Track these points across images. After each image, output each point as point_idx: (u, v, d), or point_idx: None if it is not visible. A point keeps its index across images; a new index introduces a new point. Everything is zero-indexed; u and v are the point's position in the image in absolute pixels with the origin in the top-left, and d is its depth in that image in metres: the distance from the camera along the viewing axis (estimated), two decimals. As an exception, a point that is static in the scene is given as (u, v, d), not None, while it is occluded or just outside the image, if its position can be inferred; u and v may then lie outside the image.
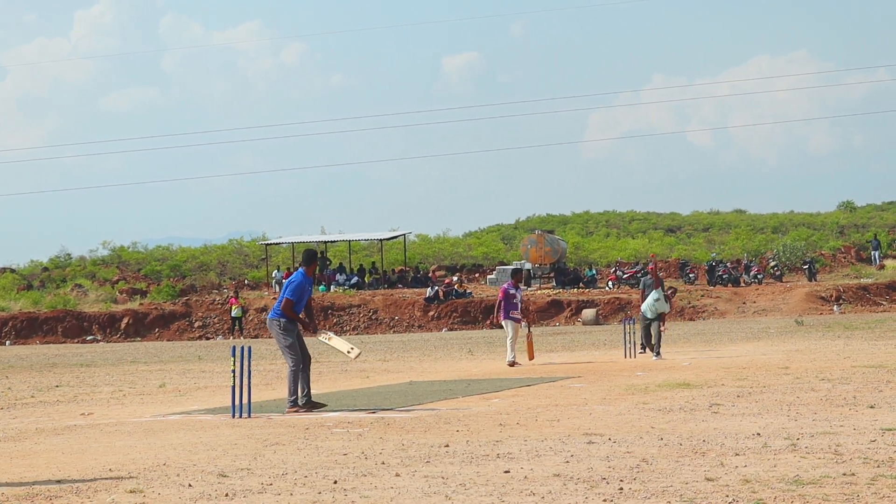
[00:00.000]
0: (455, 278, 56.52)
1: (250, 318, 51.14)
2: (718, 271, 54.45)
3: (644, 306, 24.35)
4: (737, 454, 9.44)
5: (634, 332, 25.12)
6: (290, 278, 14.89)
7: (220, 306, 52.84)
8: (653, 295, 24.23)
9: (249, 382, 14.31)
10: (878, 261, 59.19)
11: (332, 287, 57.06)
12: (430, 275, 60.42)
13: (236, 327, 49.44)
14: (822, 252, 62.63)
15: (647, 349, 24.28)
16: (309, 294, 14.89)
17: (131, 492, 8.41)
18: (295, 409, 14.52)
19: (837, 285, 51.17)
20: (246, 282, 61.91)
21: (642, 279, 26.37)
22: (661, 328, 23.94)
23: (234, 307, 49.84)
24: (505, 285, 23.84)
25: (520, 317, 23.70)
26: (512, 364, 23.06)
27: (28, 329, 51.52)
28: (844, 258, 62.17)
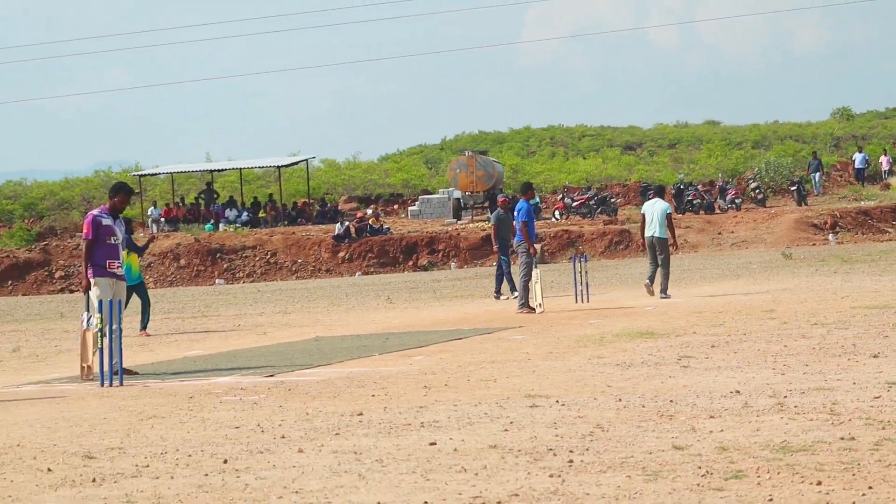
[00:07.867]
0: (369, 211, 56.27)
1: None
2: (688, 195, 54.43)
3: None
4: (711, 416, 9.43)
5: (586, 272, 25.07)
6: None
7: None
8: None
9: (120, 344, 14.08)
10: (818, 187, 57.66)
11: (220, 225, 56.69)
12: (338, 208, 60.19)
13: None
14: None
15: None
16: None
17: (-25, 480, 8.22)
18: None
19: (833, 210, 51.07)
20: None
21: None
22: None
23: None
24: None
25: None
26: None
27: None
28: (841, 177, 62.10)
